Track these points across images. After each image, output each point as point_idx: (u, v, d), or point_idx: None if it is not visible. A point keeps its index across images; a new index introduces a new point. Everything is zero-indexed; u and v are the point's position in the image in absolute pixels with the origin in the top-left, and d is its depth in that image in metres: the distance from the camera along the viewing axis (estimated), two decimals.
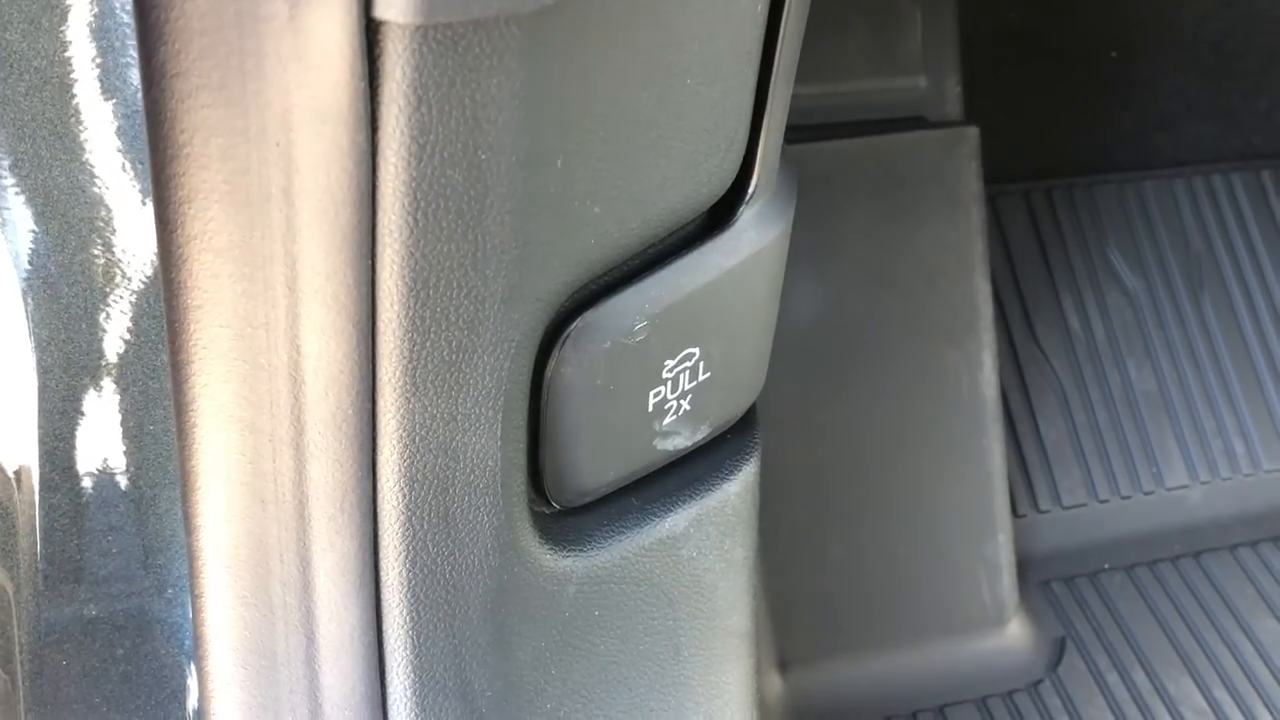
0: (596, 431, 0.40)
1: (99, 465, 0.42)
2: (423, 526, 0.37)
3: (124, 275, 0.41)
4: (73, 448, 0.42)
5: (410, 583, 0.38)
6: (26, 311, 0.41)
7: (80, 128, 0.40)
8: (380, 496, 0.36)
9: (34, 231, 0.41)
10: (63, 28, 0.39)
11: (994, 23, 1.13)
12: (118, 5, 0.38)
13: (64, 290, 0.41)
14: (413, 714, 0.40)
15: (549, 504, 0.41)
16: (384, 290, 0.33)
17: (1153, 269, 1.17)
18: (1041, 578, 1.05)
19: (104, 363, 0.42)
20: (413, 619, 0.38)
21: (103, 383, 0.42)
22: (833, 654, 0.94)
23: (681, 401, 0.42)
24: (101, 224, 0.40)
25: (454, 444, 0.36)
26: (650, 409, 0.41)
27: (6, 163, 0.40)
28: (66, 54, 0.39)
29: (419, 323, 0.33)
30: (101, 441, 0.42)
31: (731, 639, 0.48)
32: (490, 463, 0.37)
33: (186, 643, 0.44)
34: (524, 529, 0.40)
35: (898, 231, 0.97)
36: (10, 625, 0.44)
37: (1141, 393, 1.13)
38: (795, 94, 0.42)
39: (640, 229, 0.38)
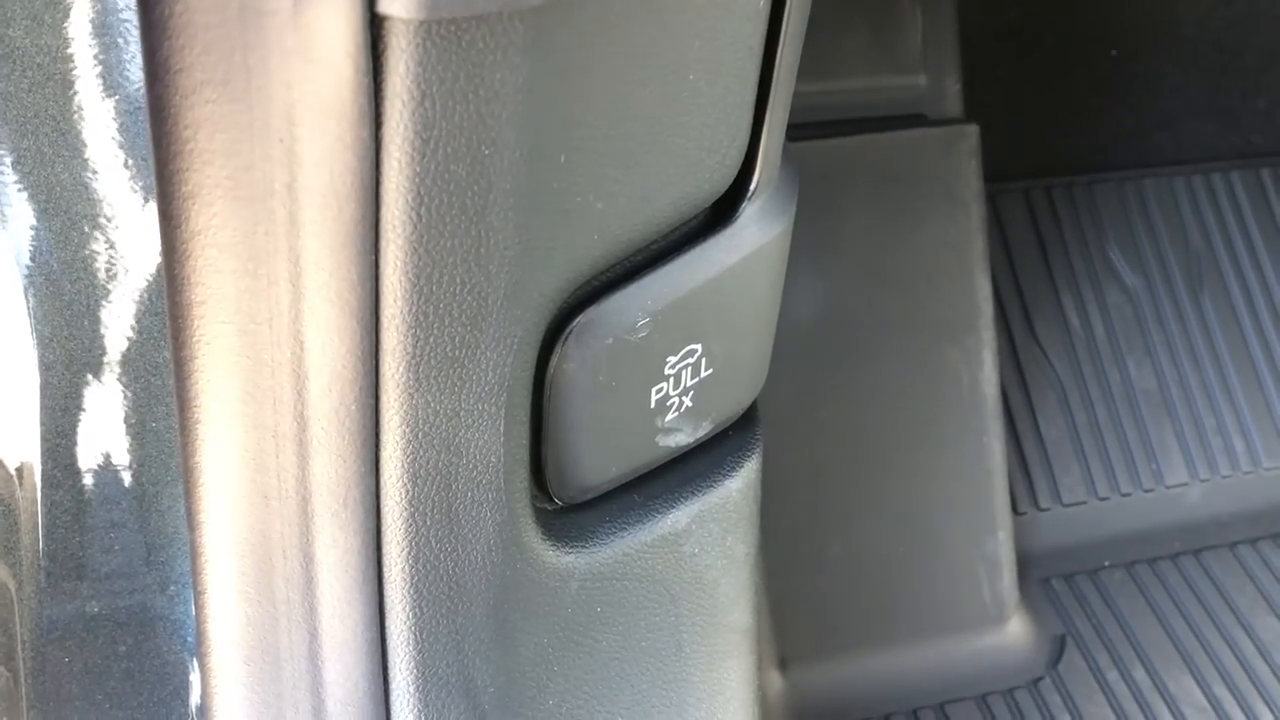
0: (599, 428, 0.40)
1: (101, 462, 0.43)
2: (426, 522, 0.37)
3: (126, 271, 0.41)
4: (75, 444, 0.42)
5: (413, 578, 0.38)
6: (29, 307, 0.41)
7: (83, 124, 0.40)
8: (383, 492, 0.36)
9: (36, 227, 0.41)
10: (65, 24, 0.39)
11: (994, 21, 1.13)
12: (120, 1, 0.38)
13: (66, 286, 0.41)
14: (416, 710, 0.40)
15: (551, 500, 0.41)
16: (387, 286, 0.33)
17: (1152, 267, 1.17)
18: (1042, 575, 1.05)
19: (106, 359, 0.42)
20: (415, 615, 0.38)
21: (105, 379, 0.42)
22: (833, 652, 0.94)
23: (683, 398, 0.42)
24: (104, 220, 0.40)
25: (457, 440, 0.36)
26: (652, 405, 0.41)
27: (9, 159, 0.40)
28: (69, 50, 0.39)
29: (422, 318, 0.33)
30: (104, 438, 0.42)
31: (733, 635, 0.48)
32: (493, 459, 0.37)
33: (189, 639, 0.44)
34: (527, 525, 0.40)
35: (898, 229, 0.97)
36: (13, 622, 0.44)
37: (1141, 390, 1.13)
38: (795, 91, 0.42)
39: (643, 225, 0.38)
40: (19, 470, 0.43)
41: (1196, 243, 1.19)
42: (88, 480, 0.43)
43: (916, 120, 0.99)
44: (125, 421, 0.42)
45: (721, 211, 0.41)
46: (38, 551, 0.43)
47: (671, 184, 0.38)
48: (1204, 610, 1.03)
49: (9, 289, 0.41)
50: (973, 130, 0.98)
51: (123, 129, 0.40)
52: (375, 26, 0.29)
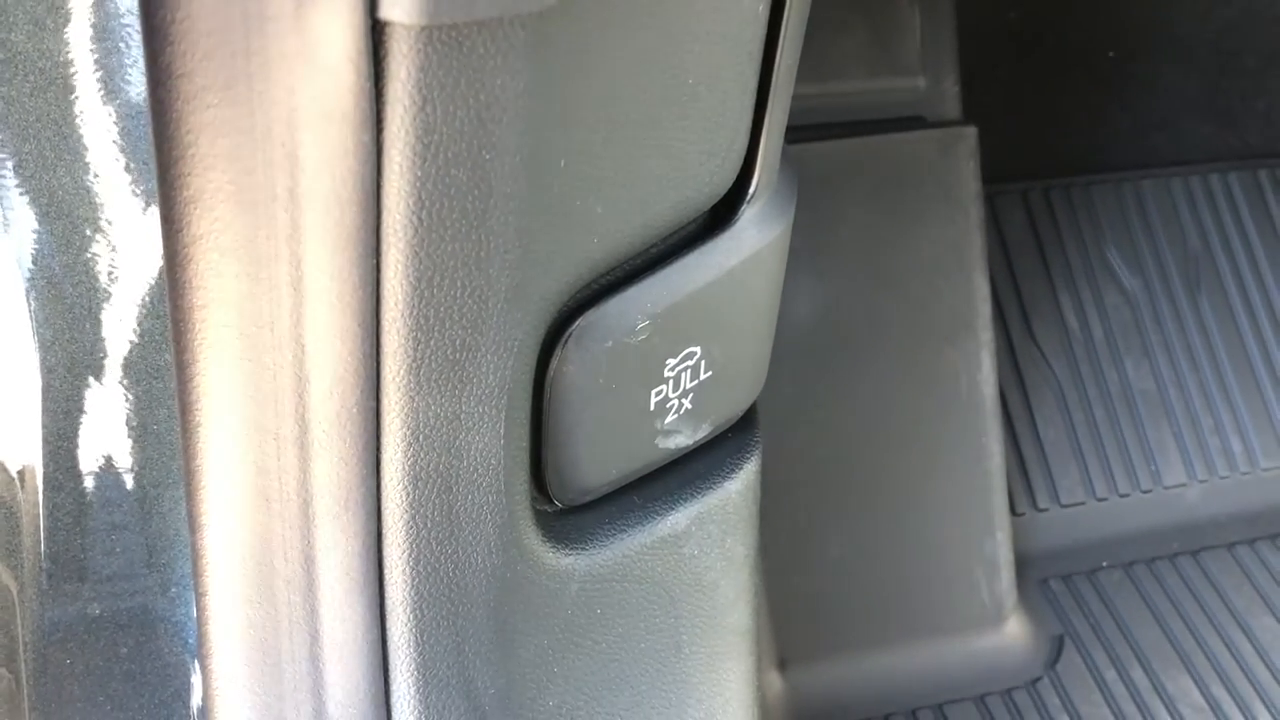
0: (598, 430, 0.40)
1: (103, 464, 0.43)
2: (426, 525, 0.37)
3: (128, 275, 0.41)
4: (76, 447, 0.43)
5: (414, 581, 0.38)
6: (30, 311, 0.41)
7: (85, 128, 0.40)
8: (384, 495, 0.36)
9: (38, 231, 0.41)
10: (67, 29, 0.39)
11: (992, 23, 1.13)
12: (123, 6, 0.39)
13: (68, 290, 0.41)
14: (416, 711, 0.40)
15: (551, 502, 0.41)
16: (388, 289, 0.33)
17: (1150, 268, 1.17)
18: (1040, 576, 1.05)
19: (108, 362, 0.42)
20: (416, 617, 0.38)
21: (107, 382, 0.42)
22: (832, 652, 0.94)
23: (683, 400, 0.42)
24: (106, 224, 0.41)
25: (457, 442, 0.36)
26: (652, 408, 0.41)
27: (11, 163, 0.40)
28: (71, 55, 0.39)
29: (423, 321, 0.34)
30: (105, 441, 0.42)
31: (732, 636, 0.48)
32: (493, 461, 0.37)
33: (190, 641, 0.44)
34: (527, 527, 0.40)
35: (896, 231, 0.97)
36: (14, 624, 0.44)
37: (1139, 391, 1.13)
38: (794, 94, 0.42)
39: (642, 229, 0.38)
40: (21, 473, 0.43)
41: (1194, 244, 1.19)
42: (89, 483, 0.43)
43: (915, 122, 0.99)
44: (127, 424, 0.42)
45: (720, 214, 0.41)
46: (39, 554, 0.43)
47: (671, 187, 0.38)
48: (1202, 611, 1.03)
49: (11, 292, 0.42)
50: (971, 132, 0.98)
51: (124, 133, 0.40)
52: (376, 32, 0.29)
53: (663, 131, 0.36)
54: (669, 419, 0.42)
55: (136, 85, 0.39)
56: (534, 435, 0.39)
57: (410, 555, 0.37)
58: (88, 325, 0.41)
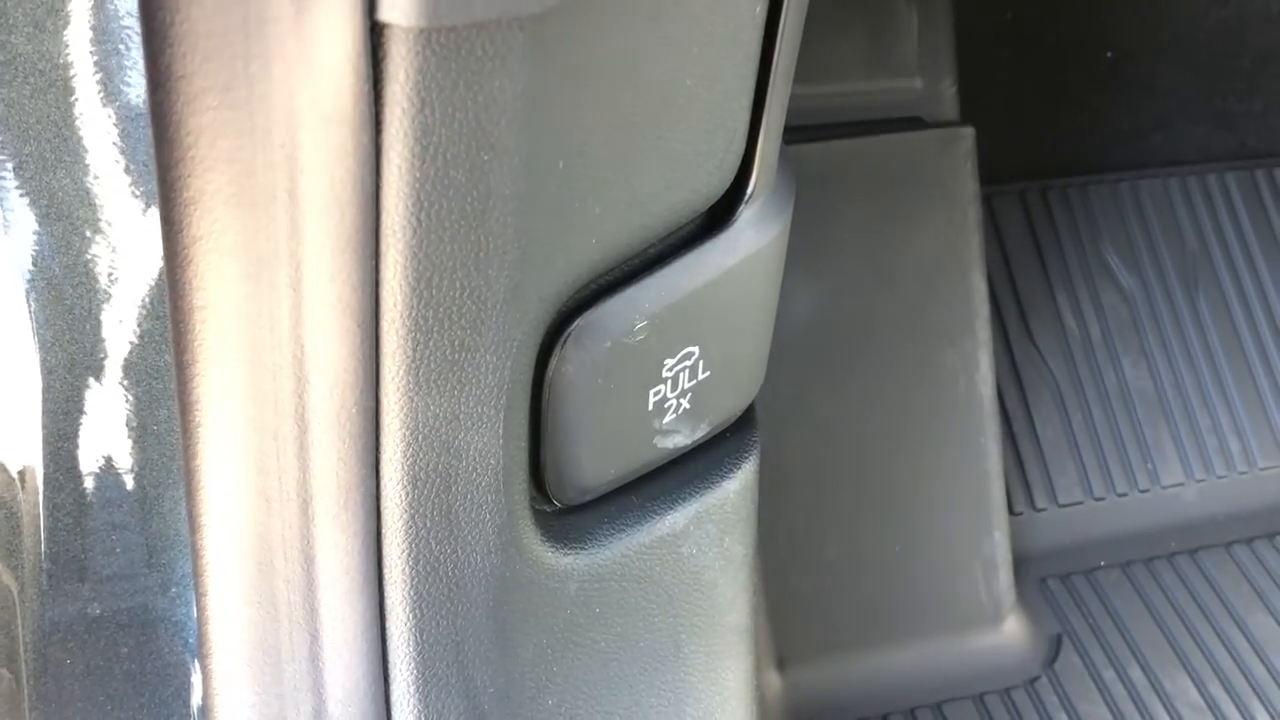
0: (597, 430, 0.40)
1: (103, 464, 0.43)
2: (426, 524, 0.37)
3: (128, 276, 0.41)
4: (77, 447, 0.43)
5: (413, 580, 0.38)
6: (31, 312, 0.42)
7: (85, 130, 0.40)
8: (383, 494, 0.36)
9: (38, 233, 0.41)
10: (67, 31, 0.39)
11: (990, 24, 1.13)
12: (122, 8, 0.39)
13: (68, 291, 0.41)
14: (416, 710, 0.40)
15: (550, 502, 0.41)
16: (387, 290, 0.33)
17: (1148, 268, 1.18)
18: (1038, 575, 1.05)
19: (108, 363, 0.42)
20: (416, 616, 0.38)
21: (107, 383, 0.42)
22: (831, 652, 0.94)
23: (681, 400, 0.42)
24: (106, 225, 0.41)
25: (457, 442, 0.36)
26: (650, 408, 0.41)
27: (11, 165, 0.40)
28: (71, 57, 0.39)
29: (422, 322, 0.34)
30: (105, 441, 0.43)
31: (731, 635, 0.49)
32: (492, 461, 0.37)
33: (191, 641, 0.44)
34: (526, 527, 0.40)
35: (894, 231, 0.97)
36: (15, 624, 0.44)
37: (1137, 391, 1.14)
38: (792, 95, 0.42)
39: (640, 229, 0.38)
40: (21, 473, 0.43)
41: (1191, 244, 1.20)
42: (89, 483, 0.43)
43: (913, 123, 0.99)
44: (127, 425, 0.42)
45: (718, 215, 0.41)
46: (40, 554, 0.43)
47: (669, 188, 0.38)
48: (1200, 610, 1.03)
49: (11, 294, 0.42)
50: (968, 132, 0.98)
51: (124, 135, 0.40)
52: (375, 34, 0.30)
53: (661, 133, 0.36)
54: (667, 419, 0.42)
55: (136, 87, 0.39)
56: (533, 435, 0.39)
57: (409, 555, 0.37)
58: (88, 326, 0.41)
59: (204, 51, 0.31)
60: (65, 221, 0.41)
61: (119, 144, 0.40)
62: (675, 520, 0.44)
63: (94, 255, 0.41)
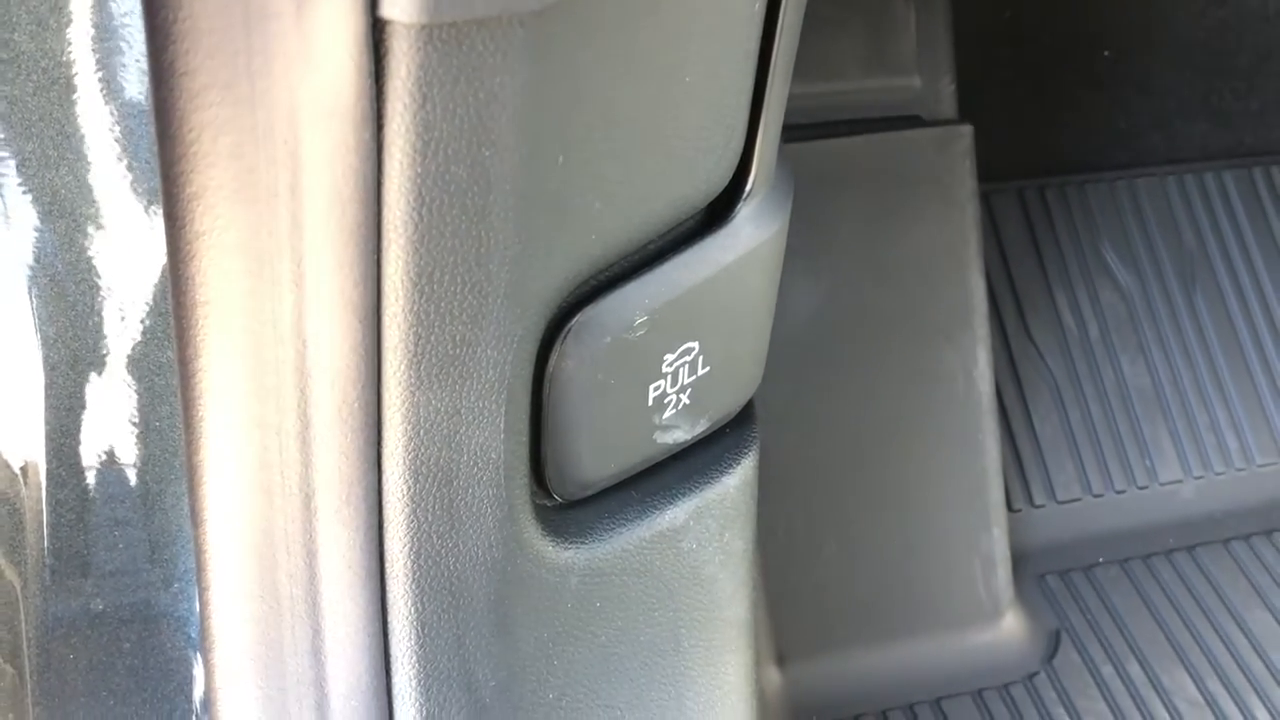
0: (597, 425, 0.40)
1: (105, 460, 0.43)
2: (427, 519, 0.37)
3: (130, 272, 0.41)
4: (79, 443, 0.43)
5: (415, 574, 0.38)
6: (33, 309, 0.42)
7: (87, 127, 0.40)
8: (385, 489, 0.37)
9: (40, 229, 0.41)
10: (70, 28, 0.39)
11: (988, 22, 1.13)
12: (125, 6, 0.39)
13: (70, 288, 0.42)
14: (417, 704, 0.40)
15: (551, 497, 0.42)
16: (389, 285, 0.33)
17: (1146, 266, 1.18)
18: (1036, 571, 1.05)
19: (110, 359, 0.42)
20: (417, 610, 0.39)
21: (109, 379, 0.42)
22: (830, 648, 0.95)
23: (681, 395, 0.42)
24: (108, 222, 0.41)
25: (458, 437, 0.37)
26: (650, 403, 0.41)
27: (14, 162, 0.41)
28: (73, 54, 0.39)
29: (423, 317, 0.34)
30: (108, 436, 0.43)
31: (731, 630, 0.49)
32: (493, 455, 0.38)
33: (193, 635, 0.44)
34: (527, 521, 0.40)
35: (893, 229, 0.97)
36: (17, 619, 0.44)
37: (1135, 388, 1.14)
38: (791, 93, 0.42)
39: (640, 225, 0.38)
40: (24, 469, 0.43)
41: (1189, 242, 1.20)
42: (92, 478, 0.43)
43: (911, 121, 0.99)
44: (129, 420, 0.43)
45: (718, 211, 0.41)
46: (42, 549, 0.43)
47: (668, 184, 0.38)
48: (1198, 605, 1.04)
49: (14, 290, 0.42)
50: (967, 131, 0.99)
51: (127, 132, 0.40)
52: (377, 30, 0.30)
53: (660, 129, 0.37)
54: (667, 414, 0.42)
55: (138, 84, 0.39)
56: (533, 430, 0.39)
57: (411, 549, 0.38)
58: (90, 322, 0.42)
59: (206, 48, 0.31)
60: (68, 218, 0.41)
61: (121, 141, 0.40)
62: (675, 515, 0.45)
63: (96, 252, 0.41)
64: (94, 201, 0.41)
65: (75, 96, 0.40)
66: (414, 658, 0.39)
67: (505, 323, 0.36)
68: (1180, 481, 1.12)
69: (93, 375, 0.42)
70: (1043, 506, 1.09)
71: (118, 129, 0.40)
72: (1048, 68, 1.18)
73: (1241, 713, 0.96)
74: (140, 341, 0.42)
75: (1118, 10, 1.18)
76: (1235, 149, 1.25)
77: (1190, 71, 1.23)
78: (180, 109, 0.32)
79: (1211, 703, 0.97)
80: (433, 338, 0.34)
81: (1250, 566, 1.07)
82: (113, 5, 0.39)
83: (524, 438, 0.39)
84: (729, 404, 0.46)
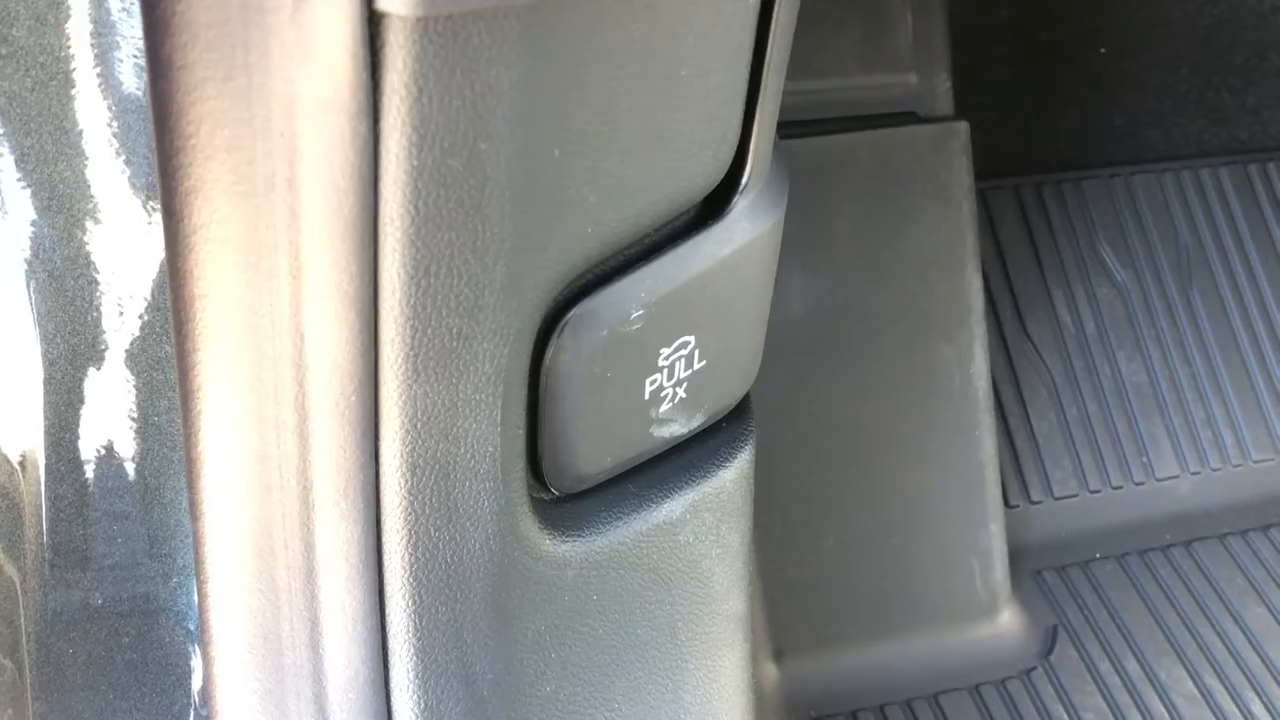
0: (594, 418, 0.40)
1: (104, 454, 0.43)
2: (425, 512, 0.37)
3: (128, 267, 0.41)
4: (78, 437, 0.43)
5: (412, 567, 0.38)
6: (32, 303, 0.42)
7: (86, 122, 0.40)
8: (383, 482, 0.37)
9: (39, 224, 0.41)
10: (68, 24, 0.39)
11: (984, 19, 1.14)
12: (122, 1, 0.39)
13: (69, 282, 0.42)
14: (415, 696, 0.40)
15: (548, 490, 0.42)
16: (386, 278, 0.33)
17: (1142, 263, 1.18)
18: (1034, 567, 1.05)
19: (109, 353, 0.42)
20: (415, 603, 0.39)
21: (108, 373, 0.42)
22: (827, 643, 0.95)
23: (677, 389, 0.42)
24: (106, 216, 0.41)
25: (455, 430, 0.37)
26: (647, 396, 0.42)
27: (13, 157, 0.41)
28: (72, 50, 0.39)
29: (420, 310, 0.34)
30: (107, 431, 0.43)
31: (727, 623, 0.49)
32: (490, 448, 0.38)
33: (192, 629, 0.44)
34: (524, 514, 0.40)
35: (889, 225, 0.97)
36: (17, 613, 0.45)
37: (1132, 385, 1.14)
38: (787, 90, 0.42)
39: (636, 218, 0.38)
40: (23, 463, 0.43)
41: (1186, 238, 1.20)
42: (91, 473, 0.43)
43: (907, 117, 0.99)
44: (128, 415, 0.43)
45: (713, 205, 0.41)
46: (42, 543, 0.44)
47: (664, 178, 0.38)
48: (1195, 601, 1.04)
49: (12, 285, 0.42)
50: (963, 127, 0.99)
51: (124, 126, 0.40)
52: (373, 23, 0.30)
53: (656, 122, 0.37)
54: (664, 407, 0.43)
55: (136, 79, 0.40)
56: (530, 423, 0.40)
57: (409, 541, 0.38)
58: (89, 317, 0.42)
59: (204, 42, 0.31)
60: (66, 213, 0.41)
61: (119, 135, 0.40)
62: (672, 508, 0.45)
63: (95, 246, 0.41)
64: (92, 196, 0.41)
65: (73, 91, 0.40)
66: (412, 650, 0.39)
67: (502, 316, 0.36)
68: (1177, 477, 1.12)
69: (91, 370, 0.42)
70: (1040, 502, 1.09)
71: (116, 124, 0.40)
72: (1044, 65, 1.19)
73: (1238, 708, 0.97)
74: (138, 336, 0.42)
75: (1114, 7, 1.18)
76: (1232, 146, 1.26)
77: (1187, 68, 1.23)
78: (177, 102, 0.32)
79: (1208, 698, 0.97)
80: (429, 331, 0.34)
81: (1247, 562, 1.07)
82: (110, 1, 0.39)
83: (521, 431, 0.39)
84: (725, 398, 0.46)
